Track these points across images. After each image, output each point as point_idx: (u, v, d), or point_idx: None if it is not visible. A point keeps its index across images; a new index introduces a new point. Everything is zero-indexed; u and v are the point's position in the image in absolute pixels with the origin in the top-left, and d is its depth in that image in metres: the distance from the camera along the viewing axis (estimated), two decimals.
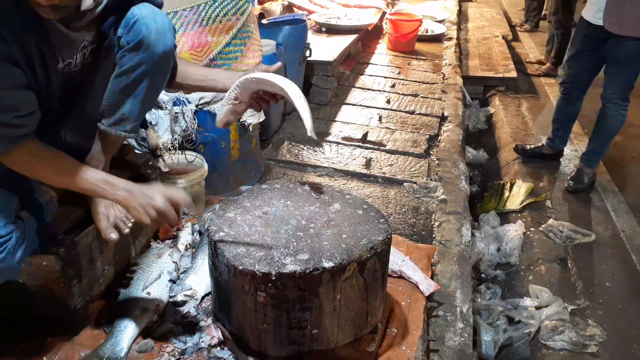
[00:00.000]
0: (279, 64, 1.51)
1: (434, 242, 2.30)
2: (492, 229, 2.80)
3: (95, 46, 1.39)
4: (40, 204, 1.42)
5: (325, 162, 2.92)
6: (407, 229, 2.39)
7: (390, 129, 3.39)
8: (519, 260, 2.64)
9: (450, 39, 5.57)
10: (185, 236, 1.87)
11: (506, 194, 3.17)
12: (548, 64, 5.33)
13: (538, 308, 2.23)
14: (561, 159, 3.51)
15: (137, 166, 1.80)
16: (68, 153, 1.31)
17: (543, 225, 2.83)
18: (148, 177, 1.79)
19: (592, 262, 2.60)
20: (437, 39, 5.53)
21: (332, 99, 3.80)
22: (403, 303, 1.70)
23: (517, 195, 3.12)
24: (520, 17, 7.61)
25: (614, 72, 2.88)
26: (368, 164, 2.91)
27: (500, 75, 4.91)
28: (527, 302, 2.27)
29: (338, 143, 3.15)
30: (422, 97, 3.98)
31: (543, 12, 7.15)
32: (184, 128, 2.15)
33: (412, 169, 2.91)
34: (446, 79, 4.45)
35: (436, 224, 2.44)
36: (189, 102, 2.15)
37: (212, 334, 1.50)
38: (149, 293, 1.60)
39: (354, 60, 4.65)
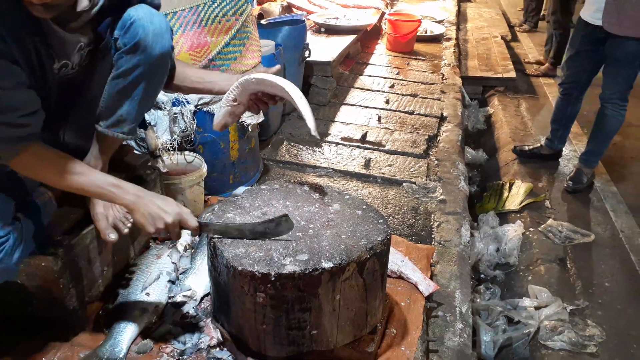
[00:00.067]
0: (278, 66, 1.50)
1: (433, 242, 2.30)
2: (491, 229, 2.80)
3: (92, 47, 1.39)
4: (37, 207, 1.42)
5: (324, 163, 2.92)
6: (407, 229, 2.39)
7: (389, 129, 3.39)
8: (518, 260, 2.64)
9: (449, 39, 5.57)
10: (185, 237, 1.87)
11: (505, 194, 3.17)
12: (547, 64, 5.34)
13: (537, 308, 2.23)
14: (560, 159, 3.52)
15: (136, 167, 1.80)
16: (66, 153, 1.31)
17: (542, 226, 2.83)
18: (147, 178, 1.79)
19: (591, 263, 2.60)
20: (436, 39, 5.54)
21: (331, 100, 3.81)
22: (402, 303, 1.70)
23: (516, 195, 3.12)
24: (519, 18, 7.63)
25: (612, 73, 2.89)
26: (367, 164, 2.91)
27: (499, 75, 4.91)
28: (526, 302, 2.27)
29: (337, 143, 3.15)
30: (421, 97, 3.98)
31: (542, 13, 7.16)
32: (183, 128, 2.15)
33: (411, 170, 2.91)
34: (445, 79, 4.45)
35: (435, 224, 2.44)
36: (188, 103, 2.15)
37: (212, 334, 1.50)
38: (148, 294, 1.60)
39: (353, 61, 4.65)
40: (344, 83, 4.16)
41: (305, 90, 3.68)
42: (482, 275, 2.62)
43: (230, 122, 1.50)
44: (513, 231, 2.74)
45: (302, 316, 1.31)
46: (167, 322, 1.55)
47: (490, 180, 3.46)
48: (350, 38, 4.26)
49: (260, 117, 2.45)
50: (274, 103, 1.48)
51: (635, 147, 3.91)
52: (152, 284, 1.63)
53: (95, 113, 1.44)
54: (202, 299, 1.64)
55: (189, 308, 1.60)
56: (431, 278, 1.89)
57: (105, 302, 1.61)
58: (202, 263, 1.73)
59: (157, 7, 1.47)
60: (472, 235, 2.58)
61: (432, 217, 2.49)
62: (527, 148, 3.54)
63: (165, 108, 2.12)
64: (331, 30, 4.33)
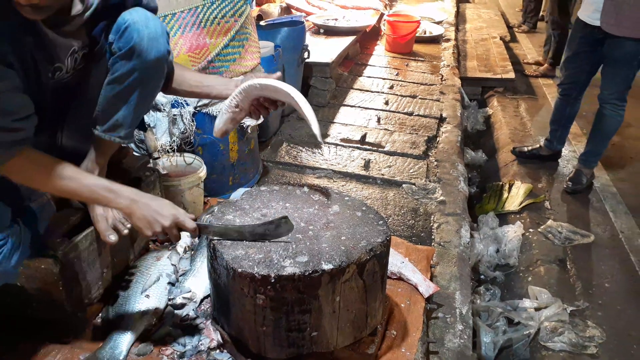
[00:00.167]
0: (278, 73, 1.51)
1: (433, 243, 2.30)
2: (491, 230, 2.80)
3: (87, 51, 1.37)
4: (33, 213, 1.41)
5: (324, 164, 2.91)
6: (406, 230, 2.39)
7: (388, 130, 3.39)
8: (518, 261, 2.64)
9: (448, 40, 5.58)
10: (184, 238, 1.87)
11: (505, 195, 3.17)
12: (546, 65, 5.35)
13: (537, 309, 2.23)
14: (559, 160, 3.52)
15: (135, 169, 1.80)
16: (64, 157, 1.29)
17: (542, 226, 2.83)
18: (146, 180, 1.79)
19: (591, 263, 2.60)
20: (435, 40, 5.54)
21: (330, 101, 3.81)
22: (402, 305, 1.70)
23: (515, 196, 3.12)
24: (518, 18, 7.64)
25: (611, 73, 2.89)
26: (367, 165, 2.90)
27: (498, 76, 4.92)
28: (526, 303, 2.27)
29: (337, 144, 3.15)
30: (420, 98, 3.98)
31: (541, 13, 7.16)
32: (182, 130, 2.15)
33: (411, 171, 2.91)
34: (444, 80, 4.46)
35: (435, 225, 2.44)
36: (187, 105, 2.15)
37: (212, 336, 1.50)
38: (147, 296, 1.59)
39: (352, 62, 4.66)
40: (343, 84, 4.16)
41: (305, 91, 3.67)
42: (482, 277, 2.62)
43: (230, 129, 1.50)
44: (513, 232, 2.74)
45: (302, 318, 1.31)
46: (166, 324, 1.55)
47: (489, 181, 3.46)
48: (350, 39, 4.26)
49: (260, 119, 2.44)
50: (275, 108, 1.48)
51: (634, 147, 3.91)
52: (151, 286, 1.63)
53: (92, 116, 1.44)
54: (201, 300, 1.64)
55: (188, 310, 1.59)
56: (431, 279, 1.89)
57: (105, 304, 1.60)
58: (202, 265, 1.73)
59: (154, 10, 1.45)
60: (472, 236, 2.58)
61: (431, 218, 2.49)
62: (526, 149, 3.54)
63: (164, 110, 2.12)
64: (330, 32, 4.33)
